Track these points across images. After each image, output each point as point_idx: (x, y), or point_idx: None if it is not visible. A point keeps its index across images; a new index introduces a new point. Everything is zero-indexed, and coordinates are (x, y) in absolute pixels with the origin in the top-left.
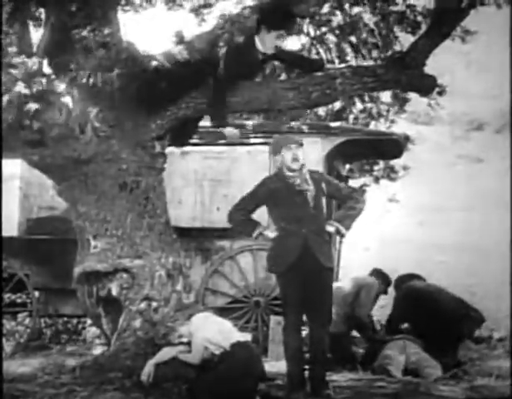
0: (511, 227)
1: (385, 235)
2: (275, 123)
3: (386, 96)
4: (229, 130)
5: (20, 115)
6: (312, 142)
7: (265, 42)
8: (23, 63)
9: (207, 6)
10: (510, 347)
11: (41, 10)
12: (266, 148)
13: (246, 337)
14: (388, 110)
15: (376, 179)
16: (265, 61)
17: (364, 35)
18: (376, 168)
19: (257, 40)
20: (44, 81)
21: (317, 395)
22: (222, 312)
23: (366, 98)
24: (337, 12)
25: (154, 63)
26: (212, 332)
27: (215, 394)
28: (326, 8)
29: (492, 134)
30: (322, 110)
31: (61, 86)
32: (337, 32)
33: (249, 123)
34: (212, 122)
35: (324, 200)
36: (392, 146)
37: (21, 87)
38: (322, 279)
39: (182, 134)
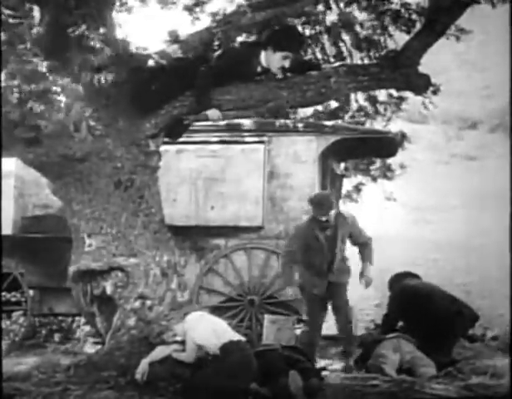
0: (511, 226)
1: (381, 234)
2: (270, 121)
3: (382, 94)
4: (212, 112)
5: (18, 114)
6: (307, 141)
7: (270, 60)
8: (20, 62)
9: (200, 4)
10: (510, 347)
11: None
12: (260, 146)
13: (240, 336)
14: (386, 109)
15: (373, 178)
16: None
17: (358, 34)
18: (372, 167)
19: (263, 55)
20: (40, 79)
21: None
22: (216, 310)
23: (362, 97)
24: (332, 11)
25: (148, 62)
26: (206, 331)
27: (209, 392)
28: (320, 7)
29: (486, 133)
30: (319, 108)
31: (56, 85)
32: (332, 30)
33: (244, 122)
34: (197, 105)
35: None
36: (387, 145)
37: (18, 86)
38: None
39: (176, 129)
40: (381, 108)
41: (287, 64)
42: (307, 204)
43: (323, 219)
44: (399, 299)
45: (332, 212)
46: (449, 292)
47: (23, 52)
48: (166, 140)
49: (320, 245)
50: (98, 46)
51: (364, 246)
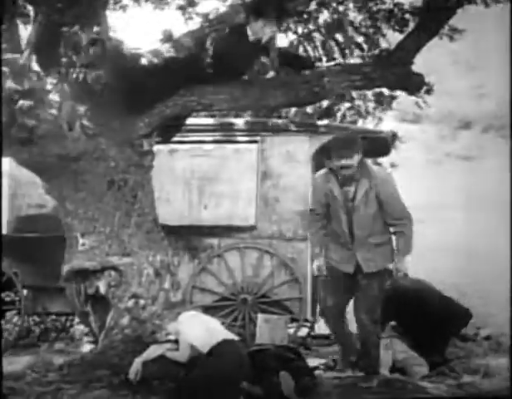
0: (511, 227)
1: None
2: (263, 121)
3: (374, 93)
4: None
5: (11, 113)
6: (300, 141)
7: (256, 32)
8: (13, 60)
9: (193, 4)
10: (510, 348)
11: (30, 7)
12: (254, 146)
13: (233, 335)
14: (376, 108)
15: None
16: (257, 54)
17: (351, 33)
18: None
19: (248, 30)
20: (33, 78)
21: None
22: (209, 310)
23: (354, 96)
24: (324, 10)
25: (141, 61)
26: (199, 331)
27: (202, 392)
28: (313, 6)
29: (479, 133)
30: (309, 108)
31: (49, 84)
32: (324, 29)
33: (237, 121)
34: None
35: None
36: (380, 144)
37: (11, 84)
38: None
39: (168, 130)
40: (372, 107)
41: (271, 32)
42: (300, 204)
43: (342, 162)
44: (393, 298)
45: (356, 157)
46: (442, 291)
47: (15, 51)
48: (160, 139)
49: (337, 205)
50: (91, 45)
51: (399, 229)
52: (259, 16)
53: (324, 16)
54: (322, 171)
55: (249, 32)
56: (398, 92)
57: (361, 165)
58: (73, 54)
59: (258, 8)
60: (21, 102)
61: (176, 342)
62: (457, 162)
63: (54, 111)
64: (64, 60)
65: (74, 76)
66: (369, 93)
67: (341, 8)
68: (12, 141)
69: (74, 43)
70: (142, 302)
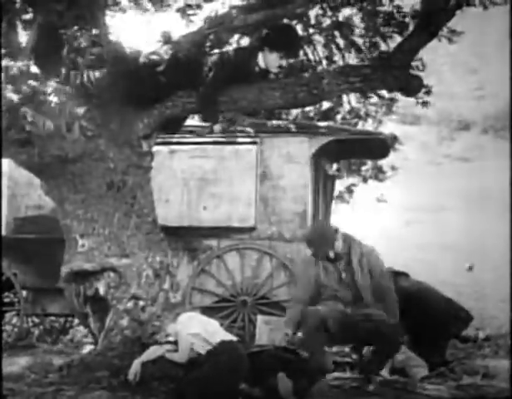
0: (511, 227)
1: (372, 235)
2: (262, 122)
3: (374, 96)
4: (217, 127)
5: (11, 118)
6: (300, 142)
7: (268, 61)
8: (12, 64)
9: (193, 6)
10: (510, 348)
11: (29, 10)
12: (253, 147)
13: (232, 336)
14: (376, 111)
15: (364, 180)
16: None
17: (351, 35)
18: (363, 168)
19: (260, 56)
20: (32, 81)
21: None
22: (209, 311)
23: (354, 98)
24: (324, 13)
25: (141, 63)
26: (198, 332)
27: (201, 393)
28: (313, 10)
29: (478, 134)
30: (310, 110)
31: (48, 86)
32: (324, 32)
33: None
34: (204, 122)
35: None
36: (379, 146)
37: (10, 90)
38: None
39: (173, 123)
40: (372, 110)
41: (284, 63)
42: (299, 205)
43: (331, 255)
44: None
45: (339, 243)
46: (443, 293)
47: (14, 54)
48: (159, 140)
49: (333, 279)
50: (89, 47)
51: (383, 295)
52: (274, 49)
53: (324, 19)
54: (307, 257)
55: (261, 62)
56: (398, 95)
57: (344, 238)
58: (76, 57)
59: (273, 41)
60: (22, 104)
61: (175, 343)
62: (456, 163)
63: (53, 113)
64: (66, 62)
65: (75, 78)
66: (371, 95)
67: (341, 12)
68: (11, 142)
69: (77, 46)
70: (141, 303)
